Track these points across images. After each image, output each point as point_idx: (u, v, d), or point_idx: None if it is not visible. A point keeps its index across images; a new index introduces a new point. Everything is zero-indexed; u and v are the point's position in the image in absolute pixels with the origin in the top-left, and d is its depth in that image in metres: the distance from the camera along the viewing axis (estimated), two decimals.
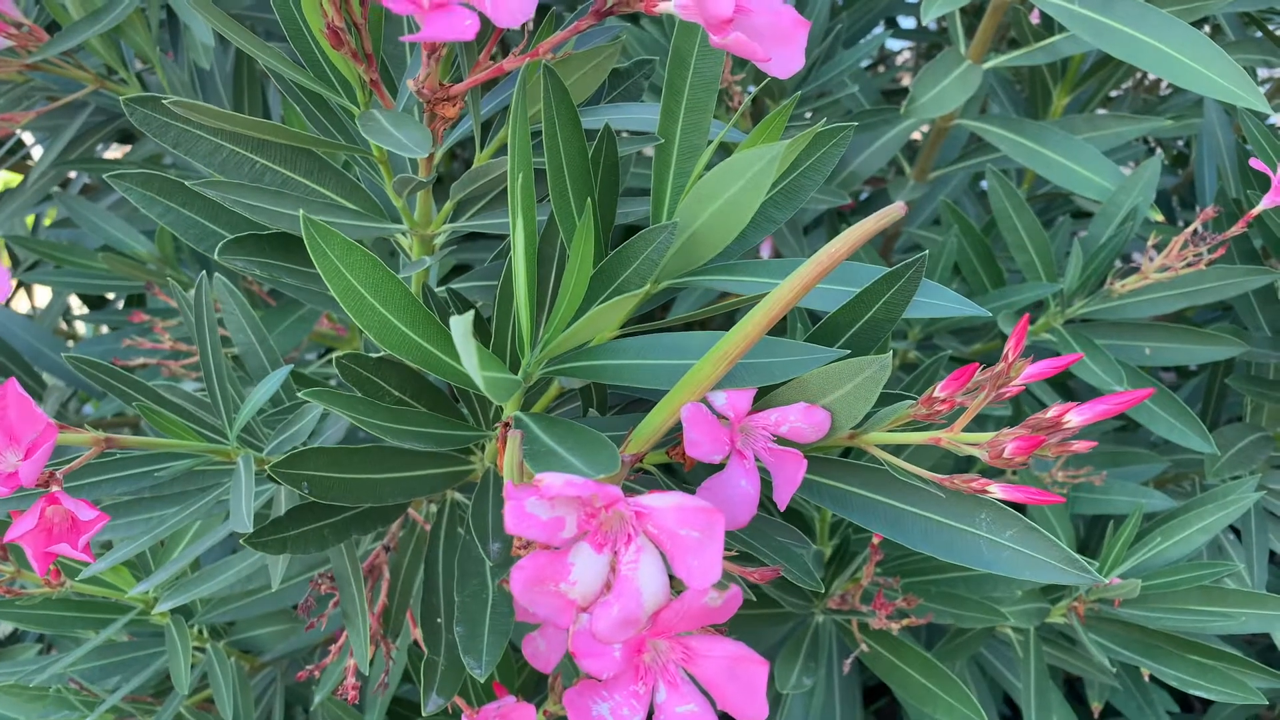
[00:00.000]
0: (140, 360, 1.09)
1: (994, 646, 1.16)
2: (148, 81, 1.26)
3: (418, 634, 0.86)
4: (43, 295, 2.20)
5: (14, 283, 1.60)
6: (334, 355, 0.62)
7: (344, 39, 0.60)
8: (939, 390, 0.52)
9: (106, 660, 0.98)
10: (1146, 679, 1.17)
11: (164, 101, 0.60)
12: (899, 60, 2.43)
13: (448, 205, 0.74)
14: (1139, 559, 1.05)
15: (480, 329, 0.70)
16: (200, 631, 1.02)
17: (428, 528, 0.85)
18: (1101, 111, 1.70)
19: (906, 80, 2.46)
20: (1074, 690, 1.54)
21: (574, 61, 0.60)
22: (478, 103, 0.70)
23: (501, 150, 0.75)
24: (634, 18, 1.40)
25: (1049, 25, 1.33)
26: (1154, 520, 1.06)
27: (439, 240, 0.78)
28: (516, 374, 0.58)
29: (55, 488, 0.57)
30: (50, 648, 1.25)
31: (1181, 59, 0.99)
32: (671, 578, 0.43)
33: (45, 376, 1.45)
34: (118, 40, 1.15)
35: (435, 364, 0.56)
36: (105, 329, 1.54)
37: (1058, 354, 1.18)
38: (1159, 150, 1.79)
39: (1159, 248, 1.05)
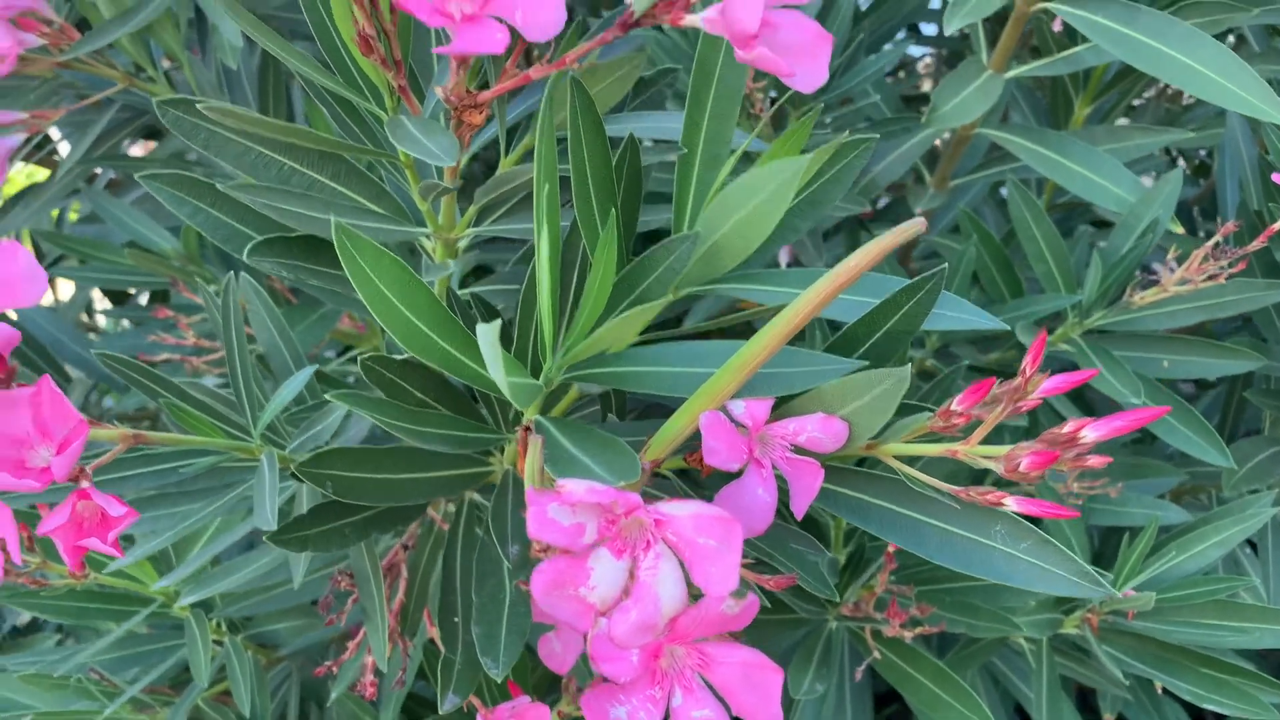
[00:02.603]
0: (164, 356, 1.10)
1: (1006, 656, 1.16)
2: (175, 79, 1.28)
3: (434, 632, 0.87)
4: (65, 288, 2.22)
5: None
6: (357, 354, 0.63)
7: (374, 46, 0.61)
8: (956, 404, 0.52)
9: (126, 651, 0.99)
10: (1160, 692, 1.17)
11: (197, 105, 0.61)
12: (920, 67, 2.43)
13: (471, 209, 0.75)
14: (1154, 571, 1.05)
15: (502, 333, 0.71)
16: (219, 625, 1.03)
17: (445, 527, 0.86)
18: (1123, 121, 1.69)
19: (927, 85, 2.45)
20: (1086, 701, 1.54)
21: (600, 71, 0.61)
22: (503, 109, 0.71)
23: (526, 156, 0.75)
24: (659, 26, 1.41)
25: (1072, 34, 1.32)
26: (1170, 533, 1.06)
27: (462, 243, 0.79)
28: (538, 379, 0.59)
29: (85, 483, 0.59)
30: (68, 637, 1.27)
31: (1205, 72, 0.99)
32: (689, 584, 0.44)
33: (68, 369, 1.47)
34: (147, 39, 1.16)
35: (459, 368, 0.57)
36: (126, 323, 1.56)
37: (1075, 365, 1.18)
38: (1181, 161, 1.78)
39: (1179, 260, 1.04)
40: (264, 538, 0.65)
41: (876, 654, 0.88)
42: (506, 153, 0.75)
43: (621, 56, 0.59)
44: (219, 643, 1.04)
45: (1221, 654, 1.02)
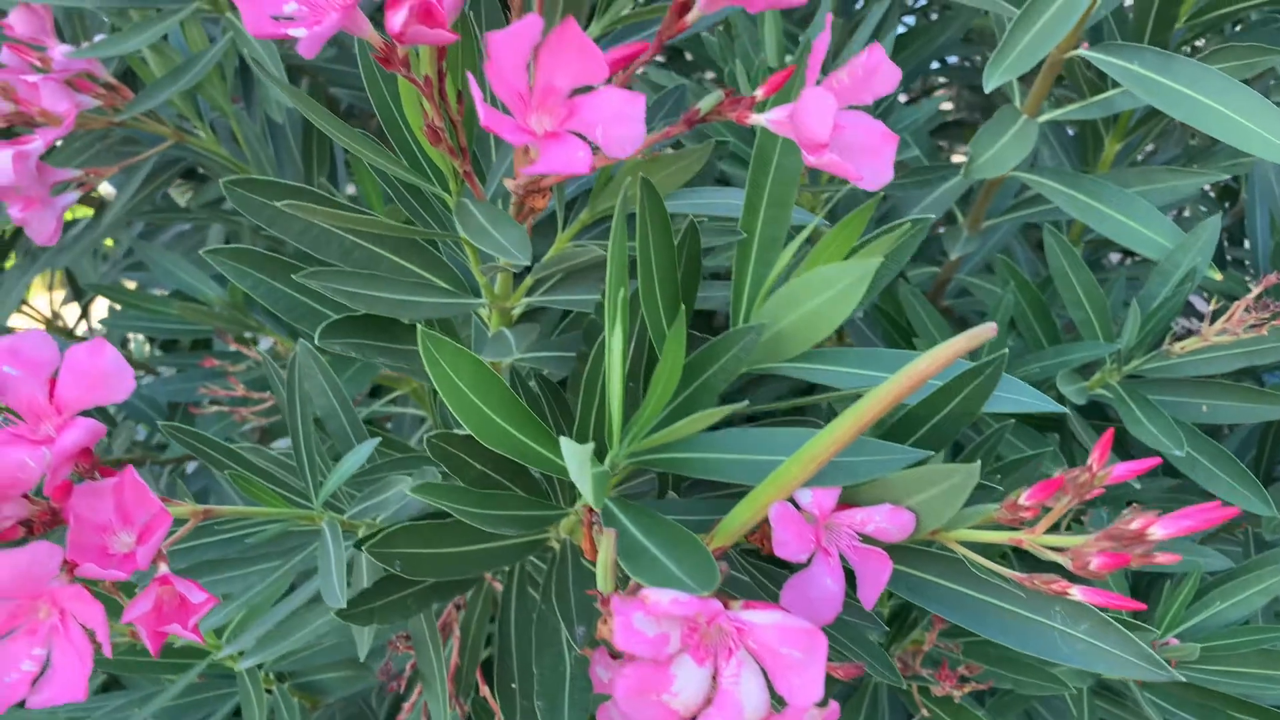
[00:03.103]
0: (212, 406, 1.12)
1: (1048, 702, 1.16)
2: (218, 125, 1.30)
3: (486, 691, 0.88)
4: (100, 307, 2.25)
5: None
6: (426, 436, 0.64)
7: (442, 137, 0.62)
8: (1024, 498, 0.53)
9: (181, 700, 1.01)
10: None
11: (279, 206, 0.62)
12: (939, 88, 2.43)
13: (527, 280, 0.77)
14: (1197, 620, 1.05)
15: (561, 408, 0.72)
16: (267, 674, 1.05)
17: (498, 586, 0.87)
18: (1150, 147, 1.69)
19: (947, 106, 2.46)
20: None
21: (664, 161, 0.62)
22: (563, 188, 0.72)
23: (581, 231, 0.77)
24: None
25: (1104, 75, 1.33)
26: (1212, 580, 1.06)
27: (516, 311, 0.80)
28: (603, 462, 0.60)
29: (164, 566, 0.60)
30: (113, 684, 1.29)
31: (1242, 122, 1.00)
32: (771, 692, 0.45)
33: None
34: (194, 93, 1.19)
35: (529, 454, 0.58)
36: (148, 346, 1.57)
37: (1113, 410, 1.18)
38: (1205, 185, 1.77)
39: (1218, 313, 1.05)
40: (333, 614, 0.67)
41: (925, 711, 0.88)
42: (564, 226, 0.76)
43: (688, 149, 0.60)
44: (268, 690, 1.06)
45: (1265, 704, 1.02)
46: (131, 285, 1.80)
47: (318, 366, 0.83)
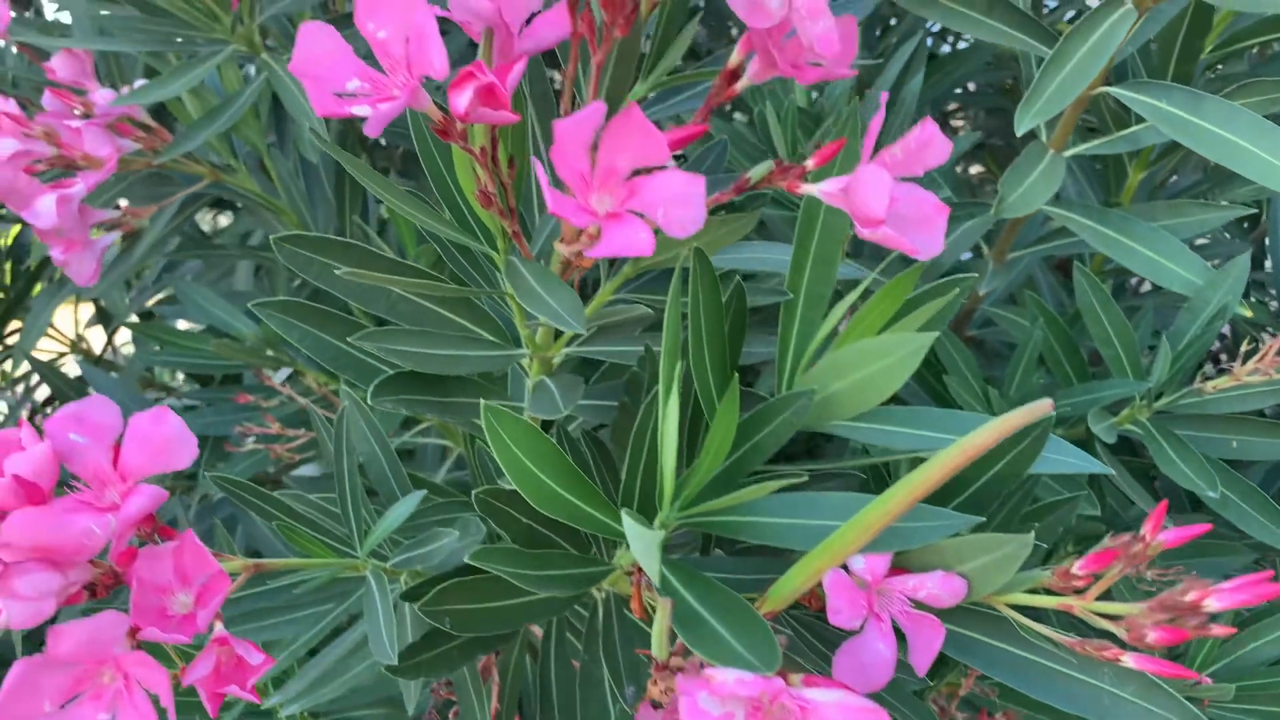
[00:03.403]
0: (249, 445, 1.13)
1: None
2: (248, 160, 1.32)
3: None
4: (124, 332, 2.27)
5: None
6: (475, 493, 0.65)
7: (494, 201, 0.63)
8: (1078, 567, 0.54)
9: None
10: None
11: (338, 273, 0.64)
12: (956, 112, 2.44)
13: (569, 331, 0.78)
14: (1231, 659, 1.05)
15: (606, 462, 0.73)
16: (304, 713, 1.06)
17: (537, 631, 0.88)
18: (1174, 178, 1.69)
19: (959, 124, 2.47)
20: None
21: (714, 225, 0.63)
22: None
23: (623, 284, 0.78)
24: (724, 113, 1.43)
25: (1129, 108, 1.33)
26: (1245, 617, 1.06)
27: (557, 360, 0.81)
28: (653, 524, 0.61)
29: (220, 626, 0.61)
30: None
31: (1274, 162, 1.00)
32: None
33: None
34: (229, 131, 1.20)
35: (582, 518, 0.59)
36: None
37: (1143, 446, 1.18)
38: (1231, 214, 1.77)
39: (1250, 352, 1.05)
40: (382, 669, 0.67)
41: None
42: (607, 278, 0.77)
43: (737, 215, 0.61)
44: None
45: None
46: (155, 301, 1.82)
47: (361, 416, 0.84)
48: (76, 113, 1.06)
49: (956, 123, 2.50)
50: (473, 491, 0.67)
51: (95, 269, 1.06)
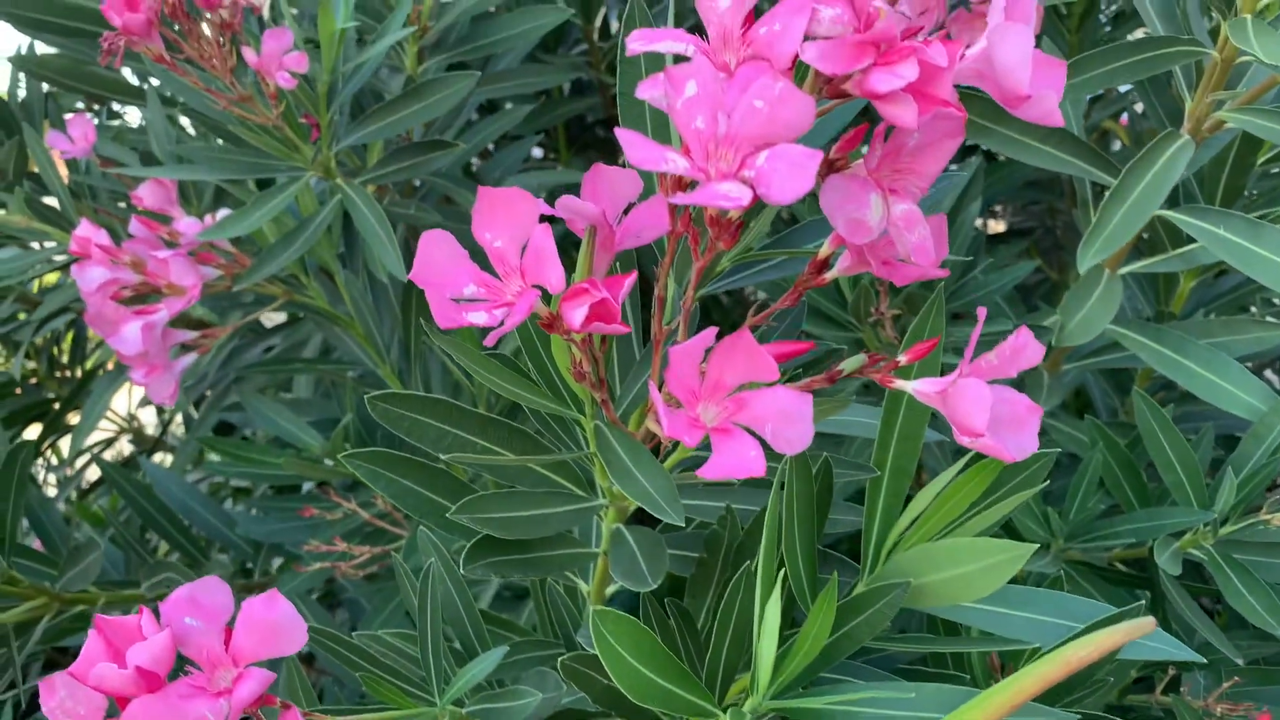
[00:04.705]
0: (314, 562, 1.15)
1: None
2: (311, 267, 1.36)
3: None
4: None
5: None
6: (560, 661, 0.66)
7: (587, 375, 0.66)
8: None
9: None
10: None
11: (444, 457, 0.66)
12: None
13: None
14: None
15: (690, 631, 0.74)
16: None
17: None
18: (1224, 276, 1.70)
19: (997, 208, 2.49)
20: None
21: None
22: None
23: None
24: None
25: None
26: None
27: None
28: (744, 709, 0.61)
29: None
30: None
31: None
32: None
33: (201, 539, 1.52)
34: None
35: (676, 703, 0.60)
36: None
37: (1205, 569, 1.17)
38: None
39: None
40: None
41: None
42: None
43: (828, 399, 0.62)
44: None
45: None
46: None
47: (439, 556, 0.85)
48: (163, 240, 1.10)
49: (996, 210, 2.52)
50: (558, 661, 0.68)
51: (174, 390, 1.10)
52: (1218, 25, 1.04)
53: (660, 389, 0.53)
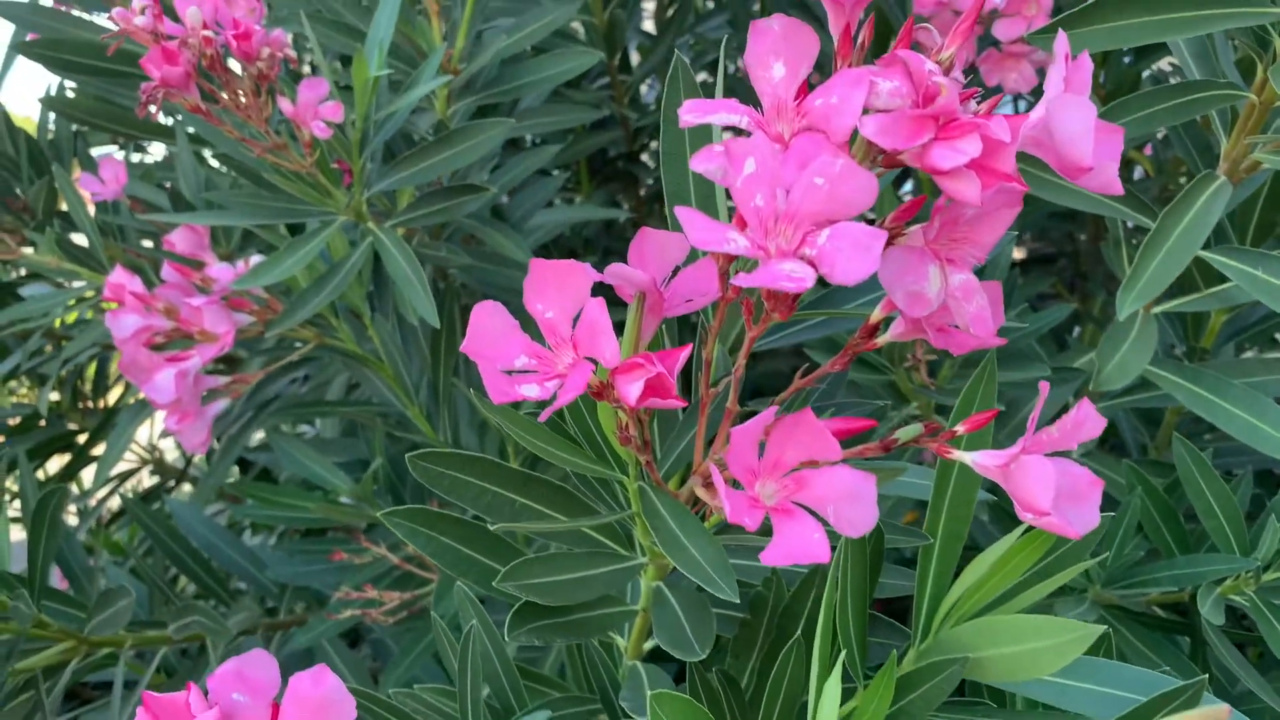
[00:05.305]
0: (348, 611, 1.14)
1: None
2: (340, 310, 1.36)
3: None
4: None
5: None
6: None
7: (632, 439, 0.65)
8: None
9: None
10: None
11: (491, 528, 0.65)
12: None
13: None
14: None
15: (738, 700, 0.73)
16: None
17: None
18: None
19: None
20: None
21: None
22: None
23: None
24: None
25: None
26: None
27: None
28: None
29: None
30: None
31: None
32: None
33: (215, 566, 1.52)
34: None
35: None
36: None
37: (1247, 615, 1.15)
38: None
39: None
40: None
41: None
42: None
43: (882, 467, 0.61)
44: None
45: None
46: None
47: (476, 613, 0.84)
48: (195, 284, 1.10)
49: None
50: None
51: (207, 437, 1.09)
52: (1249, 64, 1.03)
53: (716, 464, 0.53)
